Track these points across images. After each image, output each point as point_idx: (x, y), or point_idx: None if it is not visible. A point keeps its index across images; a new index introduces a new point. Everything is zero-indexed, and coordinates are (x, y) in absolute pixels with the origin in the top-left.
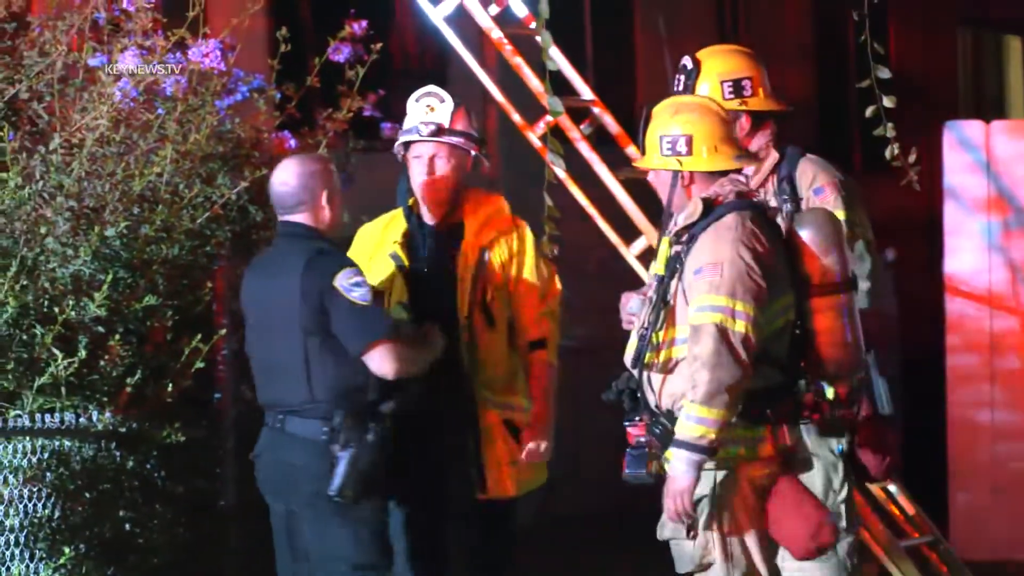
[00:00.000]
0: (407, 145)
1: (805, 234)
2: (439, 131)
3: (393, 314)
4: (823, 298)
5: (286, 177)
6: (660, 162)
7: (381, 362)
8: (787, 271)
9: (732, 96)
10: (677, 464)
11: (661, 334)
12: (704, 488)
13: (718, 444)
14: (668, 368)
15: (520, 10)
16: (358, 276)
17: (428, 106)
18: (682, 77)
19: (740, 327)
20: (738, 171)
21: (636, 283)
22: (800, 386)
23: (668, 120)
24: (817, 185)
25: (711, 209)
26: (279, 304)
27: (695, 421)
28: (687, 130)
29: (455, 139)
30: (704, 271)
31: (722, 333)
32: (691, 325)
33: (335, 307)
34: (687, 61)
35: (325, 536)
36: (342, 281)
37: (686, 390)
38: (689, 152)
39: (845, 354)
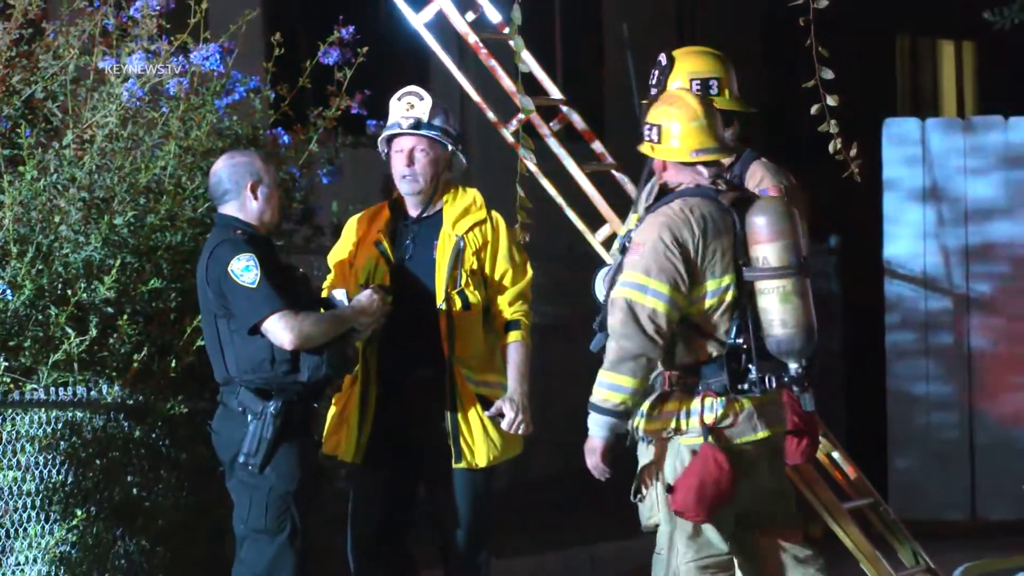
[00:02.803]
0: (389, 142)
1: (757, 220)
2: (418, 124)
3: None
4: (768, 280)
5: (215, 170)
6: (641, 146)
7: (276, 334)
8: (730, 255)
9: (699, 93)
10: (591, 425)
11: None
12: (647, 456)
13: (625, 408)
14: None
15: (495, 16)
16: (249, 261)
17: (408, 103)
18: (656, 71)
19: (649, 303)
20: (714, 164)
21: (600, 267)
22: (739, 362)
23: (651, 110)
24: (762, 187)
25: (665, 194)
26: (201, 290)
27: (600, 385)
28: (658, 120)
29: (434, 133)
30: (632, 250)
31: (630, 307)
32: (610, 299)
33: (229, 291)
34: (663, 58)
35: (235, 498)
36: (233, 267)
37: None
38: (659, 140)
39: (788, 335)
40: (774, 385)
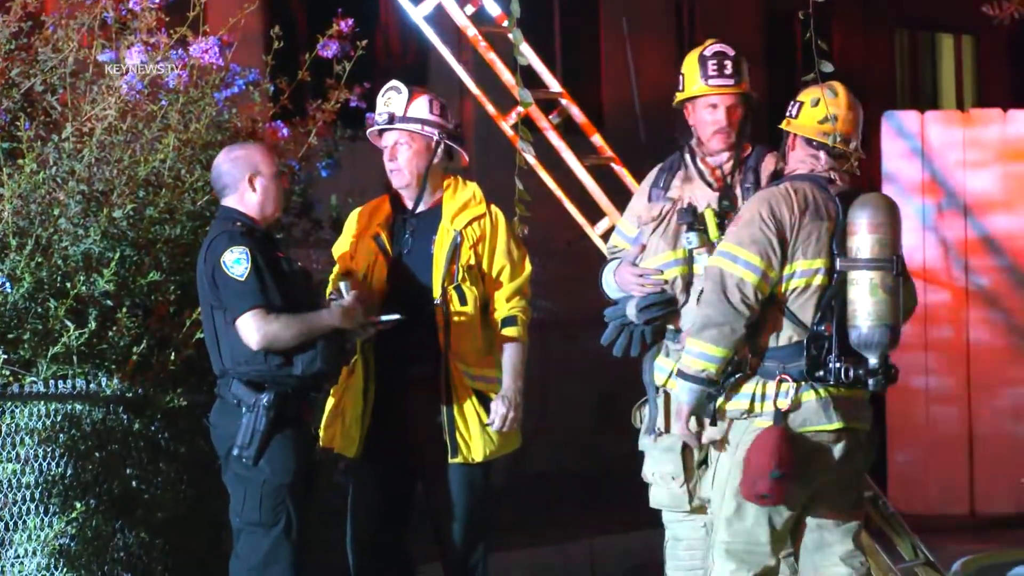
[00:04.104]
0: (381, 138)
1: (858, 212)
2: (391, 119)
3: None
4: (858, 271)
5: (217, 163)
6: (782, 123)
7: (244, 332)
8: (826, 240)
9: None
10: (677, 391)
11: None
12: (716, 435)
13: (708, 375)
14: None
15: (494, 9)
16: (241, 254)
17: (387, 98)
18: (730, 63)
19: (738, 272)
20: (838, 157)
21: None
22: (820, 350)
23: (804, 91)
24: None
25: (777, 179)
26: (200, 282)
27: (687, 352)
28: (804, 98)
29: (408, 125)
30: (732, 222)
31: (719, 275)
32: (705, 268)
33: (220, 283)
34: (729, 49)
35: (231, 491)
36: (226, 258)
37: None
38: (796, 115)
39: (869, 327)
40: (851, 376)
